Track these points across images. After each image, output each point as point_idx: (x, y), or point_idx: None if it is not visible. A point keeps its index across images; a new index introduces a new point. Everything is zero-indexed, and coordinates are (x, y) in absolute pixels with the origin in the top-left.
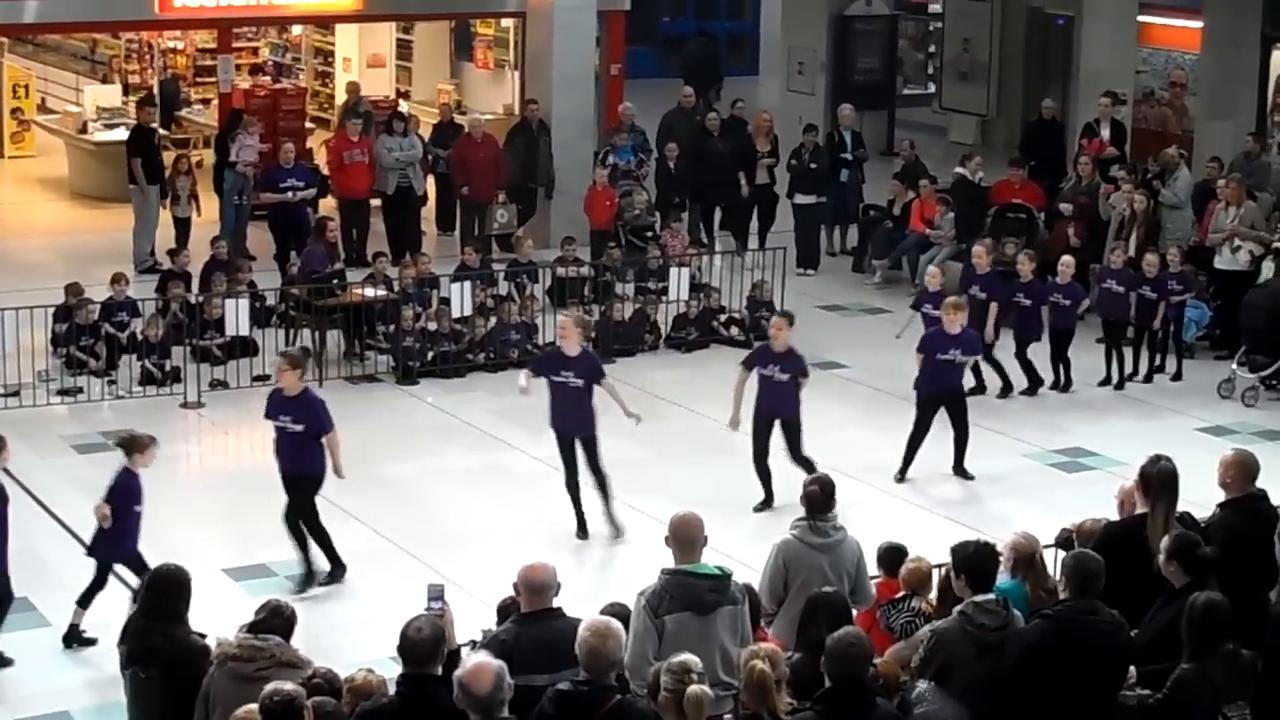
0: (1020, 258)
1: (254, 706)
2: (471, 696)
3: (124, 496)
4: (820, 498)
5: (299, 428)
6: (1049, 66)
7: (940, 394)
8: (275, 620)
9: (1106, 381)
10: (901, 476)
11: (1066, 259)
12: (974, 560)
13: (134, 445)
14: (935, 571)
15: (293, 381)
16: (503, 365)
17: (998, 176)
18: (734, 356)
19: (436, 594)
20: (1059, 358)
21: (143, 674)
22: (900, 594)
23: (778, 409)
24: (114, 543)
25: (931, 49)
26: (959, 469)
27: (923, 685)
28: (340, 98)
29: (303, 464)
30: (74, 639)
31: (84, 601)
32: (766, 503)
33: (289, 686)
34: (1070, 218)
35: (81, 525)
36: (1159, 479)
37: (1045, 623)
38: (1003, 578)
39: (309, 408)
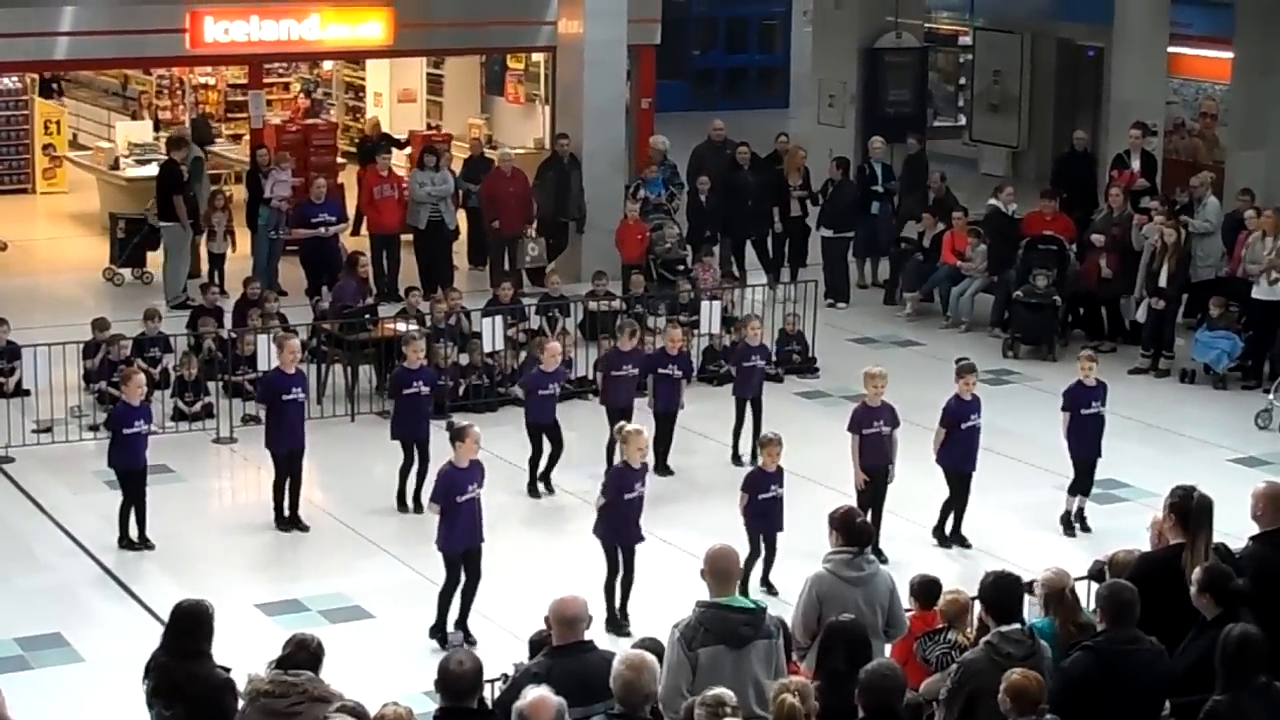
0: (754, 322)
1: None
2: None
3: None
4: (867, 533)
5: None
6: (1079, 98)
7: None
8: (301, 654)
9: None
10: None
11: None
12: (993, 591)
13: (458, 435)
14: (973, 604)
15: None
16: None
17: (1029, 208)
18: (766, 389)
19: (458, 641)
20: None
21: (167, 711)
22: (938, 626)
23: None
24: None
25: (962, 81)
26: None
27: None
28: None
29: None
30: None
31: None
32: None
33: None
34: (1102, 249)
35: (114, 561)
36: (1197, 510)
37: (1086, 655)
38: (1037, 614)
39: None
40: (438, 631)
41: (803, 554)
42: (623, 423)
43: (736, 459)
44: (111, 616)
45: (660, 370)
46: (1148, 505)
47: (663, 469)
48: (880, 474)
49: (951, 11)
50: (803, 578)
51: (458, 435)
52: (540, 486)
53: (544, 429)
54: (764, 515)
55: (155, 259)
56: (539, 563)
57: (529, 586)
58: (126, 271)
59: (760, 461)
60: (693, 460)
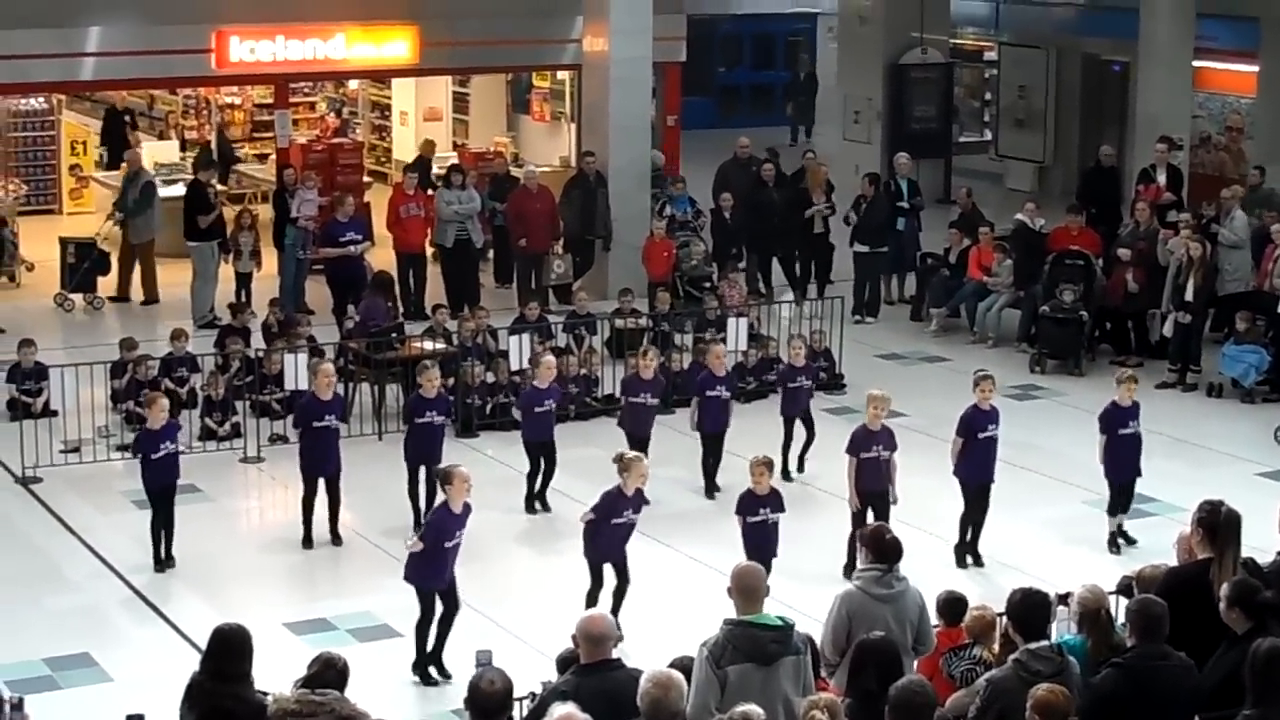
0: (796, 342)
1: None
2: None
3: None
4: (897, 550)
5: None
6: (1105, 113)
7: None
8: (329, 673)
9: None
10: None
11: None
12: (1020, 608)
13: (445, 478)
14: (999, 620)
15: None
16: (561, 418)
17: (1055, 223)
18: None
19: (485, 660)
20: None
21: None
22: (963, 642)
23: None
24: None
25: (987, 96)
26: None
27: None
28: (399, 153)
29: None
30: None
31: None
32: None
33: None
34: (1129, 263)
35: (142, 581)
36: (1225, 524)
37: (1116, 672)
38: (1067, 630)
39: None
40: (420, 668)
41: (830, 571)
42: (623, 450)
43: (785, 474)
44: (140, 637)
45: (709, 392)
46: (1175, 520)
47: (711, 488)
48: (878, 498)
49: (977, 27)
50: (829, 594)
51: (445, 478)
52: (536, 505)
53: (541, 447)
54: (755, 540)
55: (106, 284)
56: (567, 580)
57: (557, 605)
58: (78, 297)
59: (751, 484)
60: (723, 478)
